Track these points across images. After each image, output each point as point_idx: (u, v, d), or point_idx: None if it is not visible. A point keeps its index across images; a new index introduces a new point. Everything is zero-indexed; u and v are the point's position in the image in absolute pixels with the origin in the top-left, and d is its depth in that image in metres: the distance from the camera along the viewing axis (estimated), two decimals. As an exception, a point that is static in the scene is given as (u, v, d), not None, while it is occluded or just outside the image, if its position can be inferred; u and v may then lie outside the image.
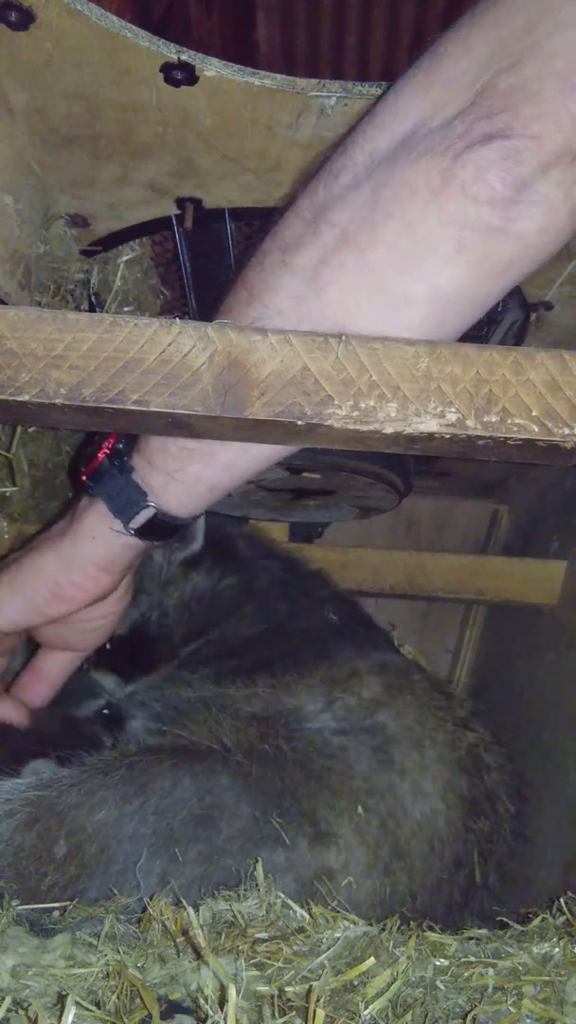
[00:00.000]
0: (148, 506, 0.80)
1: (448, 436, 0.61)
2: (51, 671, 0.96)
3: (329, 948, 0.67)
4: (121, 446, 0.81)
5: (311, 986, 0.60)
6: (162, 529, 0.82)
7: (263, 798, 0.82)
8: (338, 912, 0.74)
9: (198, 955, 0.63)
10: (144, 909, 0.72)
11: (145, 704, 1.02)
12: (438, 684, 1.04)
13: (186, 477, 0.78)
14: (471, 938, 0.73)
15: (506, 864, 0.97)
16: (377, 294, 0.67)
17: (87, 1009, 0.57)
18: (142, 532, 0.82)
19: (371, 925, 0.72)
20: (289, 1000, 0.60)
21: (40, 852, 0.77)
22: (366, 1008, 0.59)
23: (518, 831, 0.99)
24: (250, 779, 0.83)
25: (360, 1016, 0.58)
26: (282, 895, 0.74)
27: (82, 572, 0.85)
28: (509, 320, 1.07)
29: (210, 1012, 0.57)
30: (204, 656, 1.10)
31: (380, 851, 0.85)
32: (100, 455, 0.81)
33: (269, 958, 0.64)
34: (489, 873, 0.94)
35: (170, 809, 0.80)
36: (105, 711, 1.00)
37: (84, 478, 0.83)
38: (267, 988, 0.61)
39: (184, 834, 0.79)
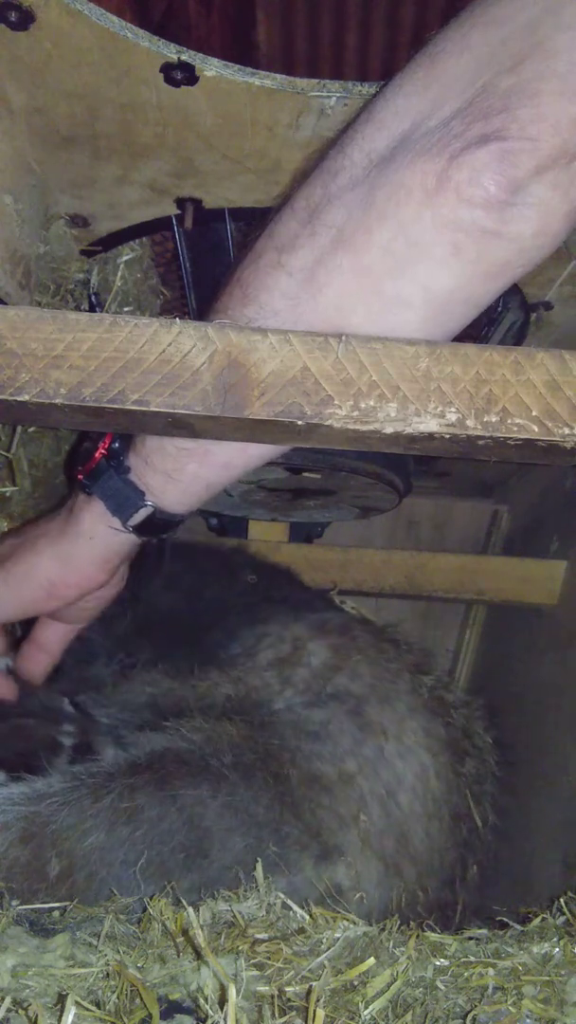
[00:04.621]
0: (146, 505, 0.80)
1: (448, 436, 0.61)
2: (50, 641, 0.97)
3: (329, 948, 0.67)
4: (117, 445, 0.81)
5: (311, 986, 0.60)
6: (160, 526, 0.83)
7: (256, 827, 0.81)
8: (338, 912, 0.74)
9: (198, 955, 0.63)
10: (144, 909, 0.72)
11: (112, 716, 0.99)
12: (382, 632, 1.03)
13: (184, 476, 0.79)
14: (471, 938, 0.73)
15: (499, 798, 0.96)
16: (372, 297, 0.67)
17: (87, 1009, 0.57)
18: (140, 529, 0.83)
19: (371, 925, 0.72)
20: (289, 1000, 0.60)
21: (34, 870, 0.77)
22: (366, 1008, 0.58)
23: (502, 760, 0.98)
24: (241, 802, 0.82)
25: (360, 1016, 0.58)
26: (282, 895, 0.74)
27: (78, 572, 0.86)
28: (509, 320, 1.07)
29: (210, 1012, 0.57)
30: (129, 629, 1.08)
31: (386, 848, 0.84)
32: (97, 455, 0.82)
33: (269, 958, 0.64)
34: (487, 813, 0.93)
35: (159, 840, 0.80)
36: (75, 737, 0.98)
37: (81, 477, 0.83)
38: (267, 988, 0.61)
39: (175, 863, 0.79)
